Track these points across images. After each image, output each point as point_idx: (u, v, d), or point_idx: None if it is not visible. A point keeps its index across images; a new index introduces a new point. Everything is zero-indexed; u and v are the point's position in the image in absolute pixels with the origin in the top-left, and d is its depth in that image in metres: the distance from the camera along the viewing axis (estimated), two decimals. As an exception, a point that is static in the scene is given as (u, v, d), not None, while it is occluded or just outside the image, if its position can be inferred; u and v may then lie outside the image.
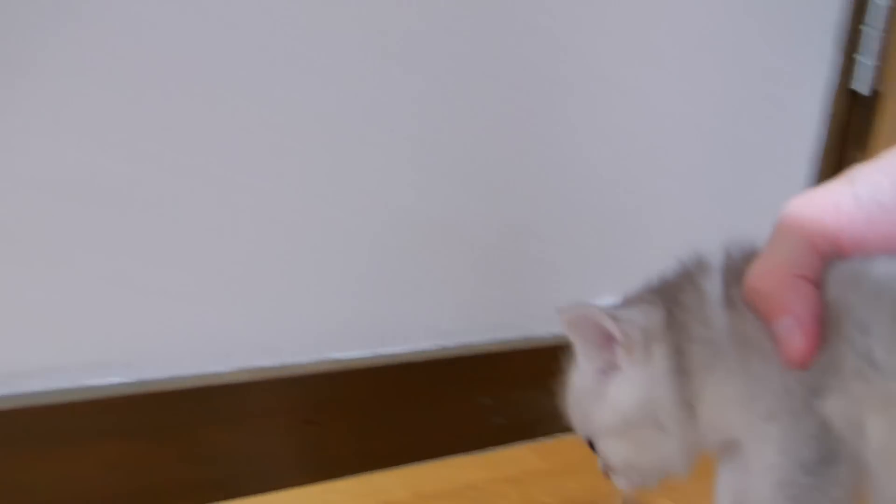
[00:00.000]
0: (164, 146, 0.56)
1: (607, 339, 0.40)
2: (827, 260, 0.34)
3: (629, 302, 0.42)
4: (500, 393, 0.76)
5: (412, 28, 0.65)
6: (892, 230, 0.33)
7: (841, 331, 0.32)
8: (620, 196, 0.83)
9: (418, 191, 0.69)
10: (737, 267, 0.37)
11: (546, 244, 0.79)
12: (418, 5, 0.65)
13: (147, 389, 0.59)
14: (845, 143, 1.01)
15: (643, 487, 0.43)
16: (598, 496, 0.61)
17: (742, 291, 0.35)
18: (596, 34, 0.76)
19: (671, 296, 0.40)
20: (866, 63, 0.98)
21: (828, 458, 0.32)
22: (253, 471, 0.64)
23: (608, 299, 0.43)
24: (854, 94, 0.99)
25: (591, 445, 0.43)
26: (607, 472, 0.44)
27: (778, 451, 0.33)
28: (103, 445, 0.57)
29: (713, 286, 0.38)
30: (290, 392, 0.65)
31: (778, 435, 0.33)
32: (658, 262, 0.42)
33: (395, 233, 0.69)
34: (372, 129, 0.65)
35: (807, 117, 0.98)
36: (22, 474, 0.54)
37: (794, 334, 0.33)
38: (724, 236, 0.40)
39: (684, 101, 0.85)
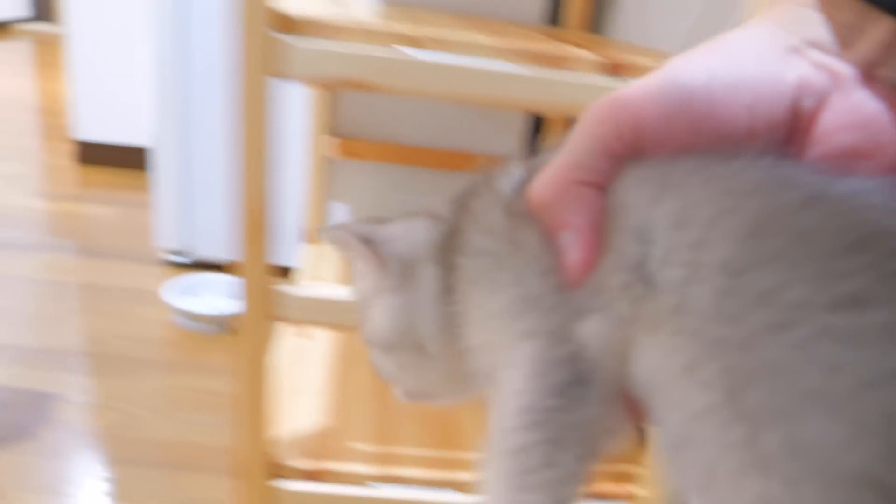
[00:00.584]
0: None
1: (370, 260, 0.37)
2: (623, 162, 0.29)
3: (417, 214, 0.38)
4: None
5: None
6: (700, 125, 0.28)
7: (612, 240, 0.29)
8: None
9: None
10: (535, 173, 0.32)
11: None
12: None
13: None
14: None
15: (423, 403, 0.40)
16: None
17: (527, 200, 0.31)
18: None
19: (465, 202, 0.35)
20: None
21: (578, 380, 0.29)
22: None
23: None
24: None
25: None
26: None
27: (526, 376, 0.30)
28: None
29: (505, 193, 0.33)
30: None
31: (531, 356, 0.30)
32: None
33: None
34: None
35: None
36: None
37: (572, 248, 0.29)
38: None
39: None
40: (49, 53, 4.64)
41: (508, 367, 0.31)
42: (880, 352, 0.22)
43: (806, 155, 0.28)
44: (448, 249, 0.35)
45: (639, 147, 0.29)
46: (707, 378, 0.25)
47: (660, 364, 0.27)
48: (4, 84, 3.71)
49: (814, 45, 0.28)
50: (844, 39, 0.28)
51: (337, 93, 1.70)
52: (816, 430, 0.22)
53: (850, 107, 0.28)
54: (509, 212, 0.33)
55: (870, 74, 0.28)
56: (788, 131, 0.29)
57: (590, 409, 0.29)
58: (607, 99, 0.30)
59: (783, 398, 0.23)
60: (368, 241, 0.37)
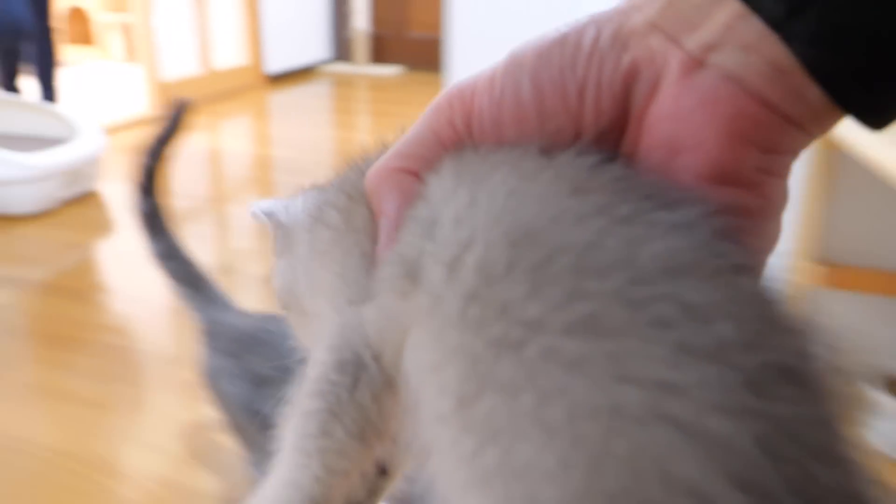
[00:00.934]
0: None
1: None
2: (453, 151, 0.29)
3: (312, 185, 0.39)
4: None
5: None
6: (528, 113, 0.28)
7: (404, 230, 0.29)
8: None
9: None
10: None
11: None
12: None
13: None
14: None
15: None
16: None
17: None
18: None
19: (342, 175, 0.36)
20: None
21: (360, 363, 0.30)
22: None
23: None
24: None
25: None
26: None
27: (325, 348, 0.31)
28: None
29: (358, 173, 0.34)
30: None
31: (332, 331, 0.31)
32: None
33: None
34: None
35: None
36: None
37: (382, 235, 0.30)
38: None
39: None
40: (346, 97, 4.85)
41: (322, 337, 0.32)
42: (598, 384, 0.21)
43: (639, 145, 0.27)
44: (315, 218, 0.36)
45: (473, 136, 0.29)
46: (444, 383, 0.24)
47: (414, 363, 0.27)
48: (330, 136, 3.88)
49: (657, 27, 0.27)
50: (692, 21, 0.26)
51: (828, 213, 1.45)
52: (527, 455, 0.21)
53: (675, 95, 0.26)
54: (349, 193, 0.34)
55: (703, 61, 0.26)
56: (623, 118, 0.27)
57: (364, 391, 0.30)
58: (447, 92, 0.30)
59: (505, 417, 0.22)
60: (269, 214, 0.40)
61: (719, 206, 0.24)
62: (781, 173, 0.27)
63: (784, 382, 0.20)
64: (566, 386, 0.21)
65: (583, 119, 0.27)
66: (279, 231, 0.39)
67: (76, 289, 2.08)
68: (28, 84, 3.20)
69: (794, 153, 0.27)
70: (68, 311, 1.94)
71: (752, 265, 0.24)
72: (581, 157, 0.26)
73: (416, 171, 0.30)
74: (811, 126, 0.26)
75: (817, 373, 0.21)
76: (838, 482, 0.19)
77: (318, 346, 0.32)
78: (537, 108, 0.28)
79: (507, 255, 0.24)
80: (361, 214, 0.32)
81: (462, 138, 0.29)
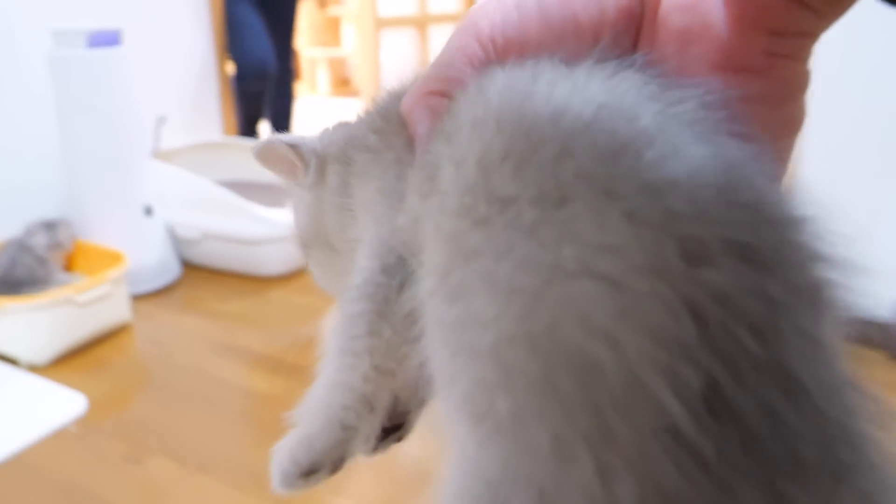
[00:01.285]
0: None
1: (294, 167, 0.39)
2: (482, 69, 0.29)
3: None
4: None
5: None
6: (552, 20, 0.28)
7: (433, 143, 0.30)
8: None
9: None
10: None
11: None
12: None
13: None
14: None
15: None
16: None
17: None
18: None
19: (384, 104, 0.37)
20: None
21: (403, 266, 0.31)
22: None
23: None
24: None
25: None
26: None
27: (368, 256, 0.32)
28: None
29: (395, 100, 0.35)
30: None
31: (373, 240, 0.32)
32: None
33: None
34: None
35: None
36: None
37: (418, 153, 0.31)
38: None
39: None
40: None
41: (363, 248, 0.33)
42: (543, 245, 0.22)
43: (654, 41, 0.28)
44: (350, 146, 0.36)
45: (498, 50, 0.29)
46: (435, 263, 0.26)
47: (425, 254, 0.28)
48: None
49: None
50: None
51: None
52: (476, 307, 0.23)
53: None
54: (386, 117, 0.35)
55: None
56: (639, 17, 0.28)
57: (409, 291, 0.30)
58: (473, 12, 0.30)
59: (468, 279, 0.24)
60: (293, 145, 0.39)
61: (726, 97, 0.25)
62: (796, 56, 0.26)
63: (732, 257, 0.21)
64: (516, 247, 0.23)
65: (602, 22, 0.28)
66: (313, 161, 0.38)
67: (301, 366, 1.82)
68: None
69: (808, 35, 0.26)
70: (287, 393, 1.71)
71: (742, 154, 0.24)
72: (598, 66, 0.27)
73: (446, 92, 0.30)
74: (822, 5, 0.25)
75: (787, 257, 0.22)
76: (770, 355, 0.20)
77: (362, 255, 0.33)
78: (561, 16, 0.28)
79: (504, 148, 0.25)
80: (399, 135, 0.33)
81: (489, 54, 0.29)
